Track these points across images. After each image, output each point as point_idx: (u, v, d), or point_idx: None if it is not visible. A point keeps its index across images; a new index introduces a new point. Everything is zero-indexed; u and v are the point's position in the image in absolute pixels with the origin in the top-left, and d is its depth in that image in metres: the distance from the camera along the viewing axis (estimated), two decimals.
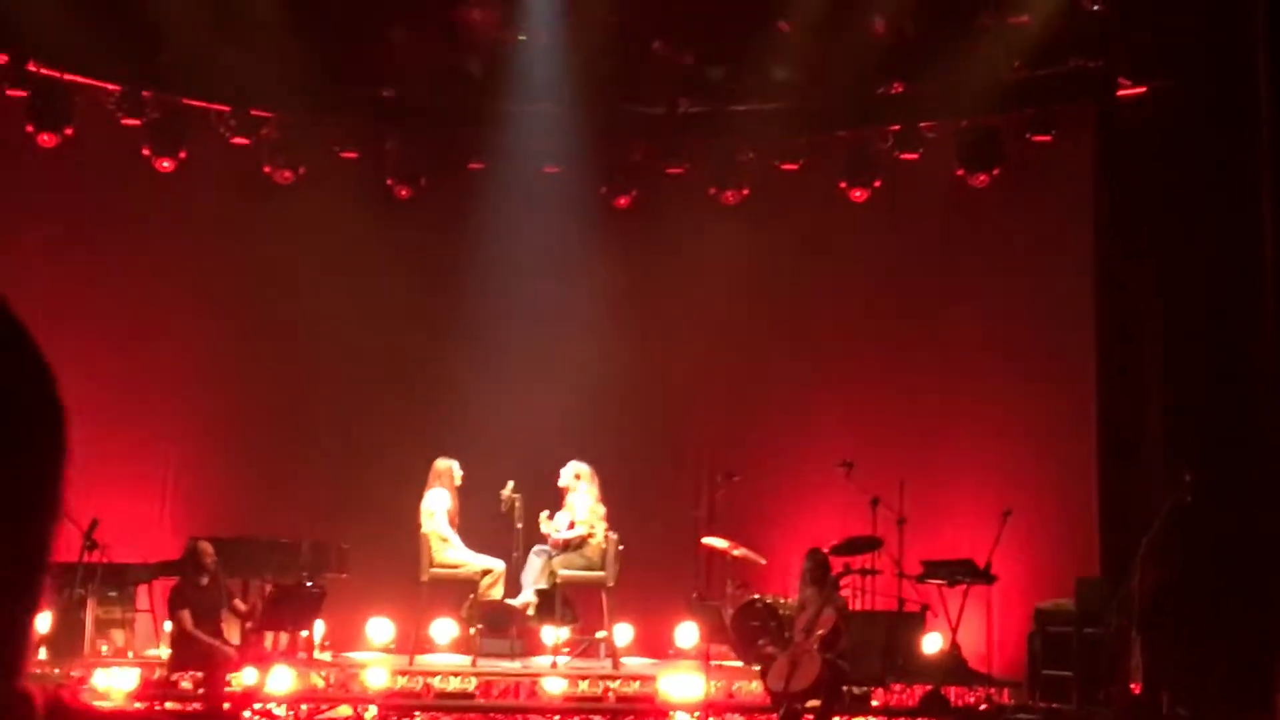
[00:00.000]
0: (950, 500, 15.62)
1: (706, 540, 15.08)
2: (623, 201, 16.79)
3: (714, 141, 16.61)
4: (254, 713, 11.51)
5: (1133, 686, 13.06)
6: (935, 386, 16.36)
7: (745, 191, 16.60)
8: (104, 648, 13.64)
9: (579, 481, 14.24)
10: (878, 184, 16.31)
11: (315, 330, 16.15)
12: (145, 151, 15.75)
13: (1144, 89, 14.87)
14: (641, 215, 16.72)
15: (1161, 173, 14.58)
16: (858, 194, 16.33)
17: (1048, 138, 15.77)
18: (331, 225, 16.03)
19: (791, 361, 16.71)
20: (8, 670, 0.83)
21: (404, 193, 16.50)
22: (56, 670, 12.17)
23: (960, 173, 15.99)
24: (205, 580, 11.92)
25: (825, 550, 12.86)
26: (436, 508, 13.92)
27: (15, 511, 0.82)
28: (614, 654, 13.95)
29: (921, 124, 16.16)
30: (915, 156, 16.19)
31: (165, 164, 15.78)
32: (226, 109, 16.04)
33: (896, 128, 16.21)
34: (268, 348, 16.21)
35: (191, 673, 12.11)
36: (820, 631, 11.95)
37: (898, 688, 13.37)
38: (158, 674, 12.43)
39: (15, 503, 0.82)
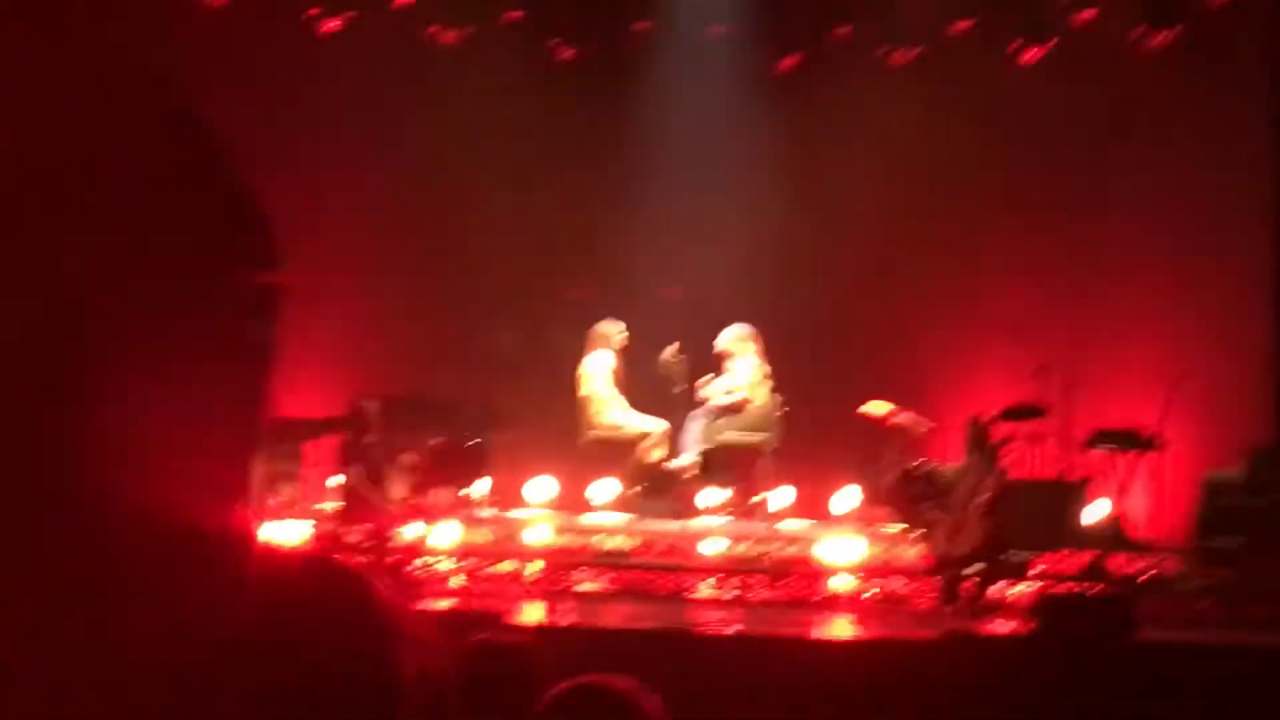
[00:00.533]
0: (1120, 367, 15.40)
1: (869, 405, 15.01)
2: (788, 63, 16.57)
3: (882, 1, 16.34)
4: (419, 567, 11.74)
5: None
6: (1107, 254, 16.07)
7: (914, 52, 16.30)
8: (273, 501, 13.96)
9: (741, 344, 14.24)
10: (1052, 44, 15.93)
11: (479, 194, 16.22)
12: (312, 12, 15.83)
13: None
14: (807, 77, 16.51)
15: None
16: (1030, 55, 15.97)
17: None
18: (495, 88, 16.04)
19: (958, 230, 16.48)
20: (233, 501, 0.87)
21: (568, 54, 16.44)
22: None
23: (1134, 36, 15.55)
24: (372, 438, 12.14)
25: (987, 418, 12.75)
26: (596, 370, 14.01)
27: (239, 350, 0.85)
28: (774, 517, 14.00)
29: None
30: (1092, 14, 15.77)
31: (332, 24, 15.86)
32: None
33: None
34: (434, 213, 16.31)
35: (359, 527, 12.37)
36: (982, 498, 11.90)
37: (1059, 556, 13.28)
38: (326, 528, 12.71)
39: (239, 341, 0.85)
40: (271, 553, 0.95)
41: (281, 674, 1.10)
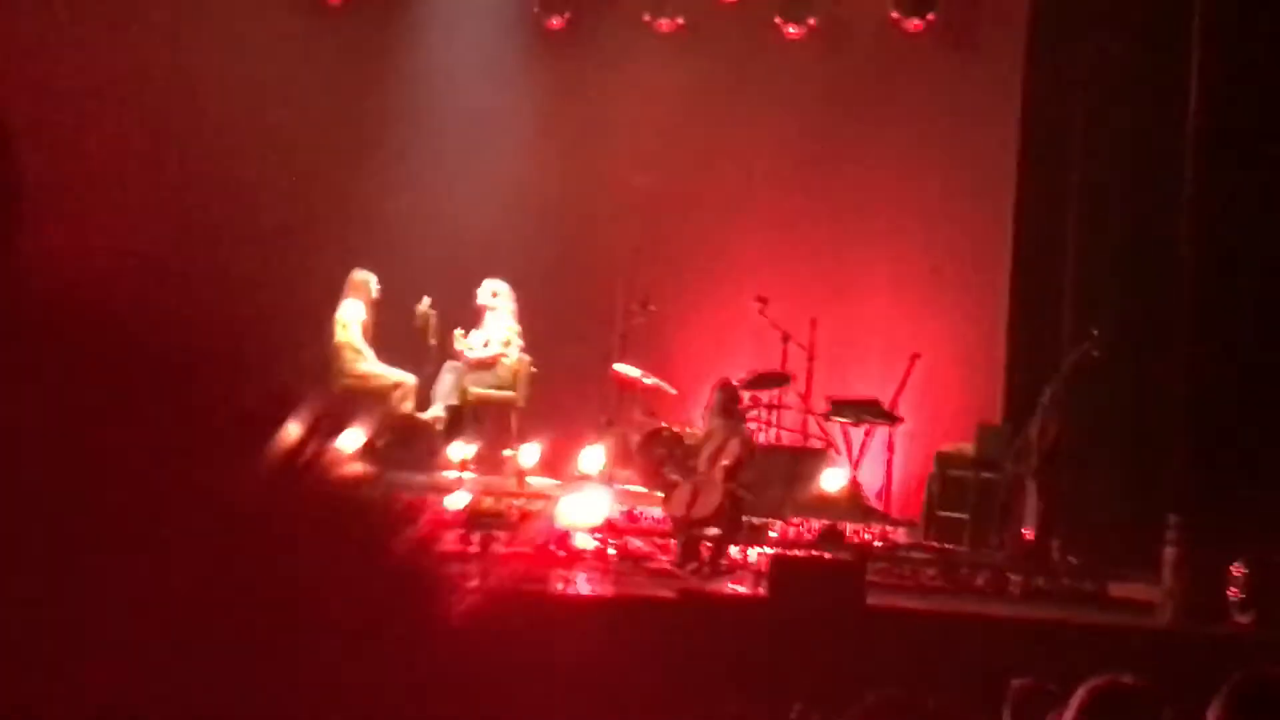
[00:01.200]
0: (860, 341, 15.80)
1: (618, 367, 15.16)
2: (556, 23, 16.57)
3: None
4: None
5: (1025, 532, 13.38)
6: (853, 228, 16.45)
7: (680, 21, 16.44)
8: None
9: (496, 300, 14.29)
10: (812, 22, 16.22)
11: (235, 135, 15.92)
12: None
13: None
14: (574, 38, 16.54)
15: (1097, 31, 14.62)
16: (792, 31, 16.24)
17: None
18: (257, 32, 15.75)
19: (713, 193, 16.70)
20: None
21: (333, 0, 16.21)
22: None
23: (894, 16, 15.94)
24: None
25: (735, 383, 12.99)
26: (350, 319, 13.93)
27: None
28: (519, 473, 14.08)
29: None
30: None
31: None
32: None
33: None
34: (184, 153, 15.96)
35: None
36: (725, 462, 12.12)
37: (796, 521, 13.60)
38: None
39: None
40: None
41: None
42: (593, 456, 15.06)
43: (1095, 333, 13.18)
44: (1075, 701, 4.13)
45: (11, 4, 15.04)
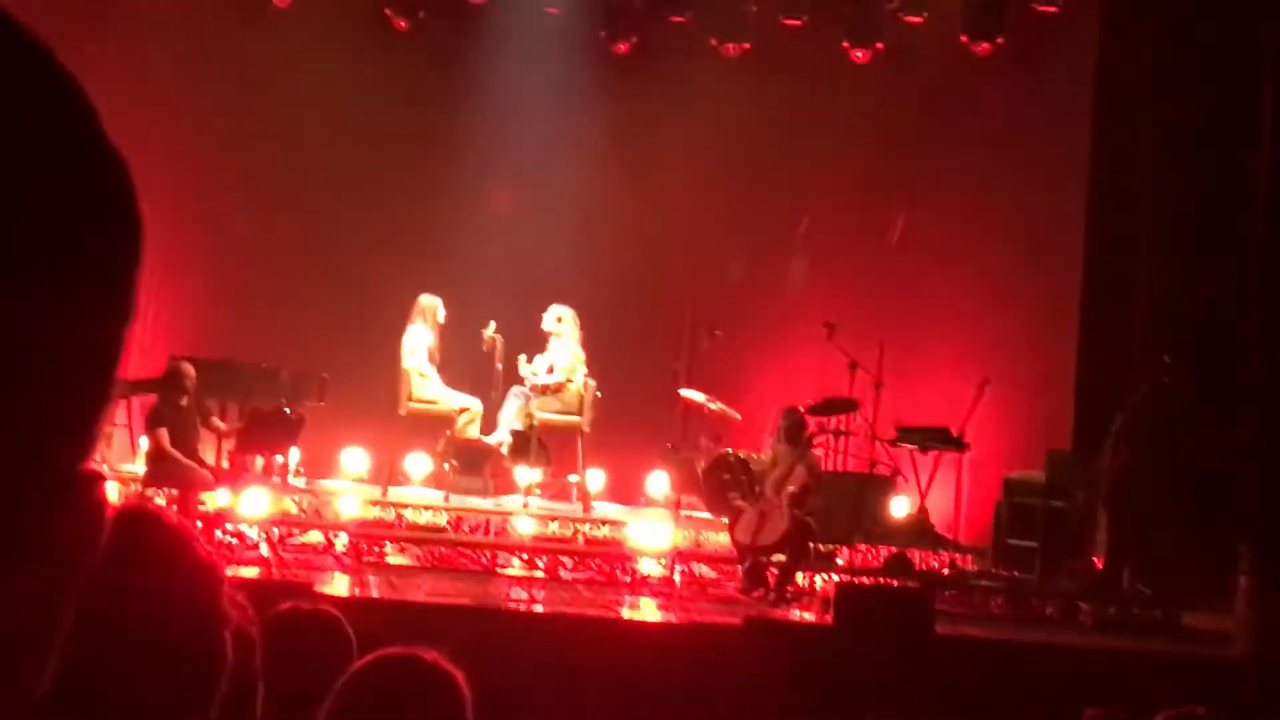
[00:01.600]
0: (929, 367, 15.71)
1: (684, 392, 15.14)
2: (623, 47, 16.61)
3: None
4: (226, 533, 11.62)
5: (1095, 561, 13.25)
6: (922, 253, 16.37)
7: (746, 45, 16.45)
8: None
9: (561, 325, 14.29)
10: (880, 46, 16.18)
11: (305, 159, 16.04)
12: None
13: None
14: (641, 62, 16.56)
15: (1167, 48, 14.50)
16: (859, 55, 16.20)
17: (1053, 8, 15.66)
18: (326, 54, 15.85)
19: (781, 219, 16.67)
20: (80, 458, 0.85)
21: (401, 24, 16.29)
22: None
23: (963, 39, 15.87)
24: (184, 401, 11.95)
25: (801, 409, 12.93)
26: (417, 343, 13.96)
27: (93, 309, 0.85)
28: (585, 498, 14.08)
29: None
30: (919, 20, 16.06)
31: None
32: None
33: None
34: (255, 173, 16.09)
35: (166, 490, 12.19)
36: (791, 488, 12.07)
37: (864, 548, 13.53)
38: (133, 489, 12.51)
39: (94, 300, 0.85)
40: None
41: (119, 619, 1.13)
42: (658, 482, 15.05)
43: (1166, 359, 13.04)
44: None
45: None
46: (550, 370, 14.19)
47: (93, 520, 0.87)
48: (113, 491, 12.16)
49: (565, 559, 12.72)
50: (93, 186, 0.84)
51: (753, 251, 16.66)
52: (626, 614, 11.20)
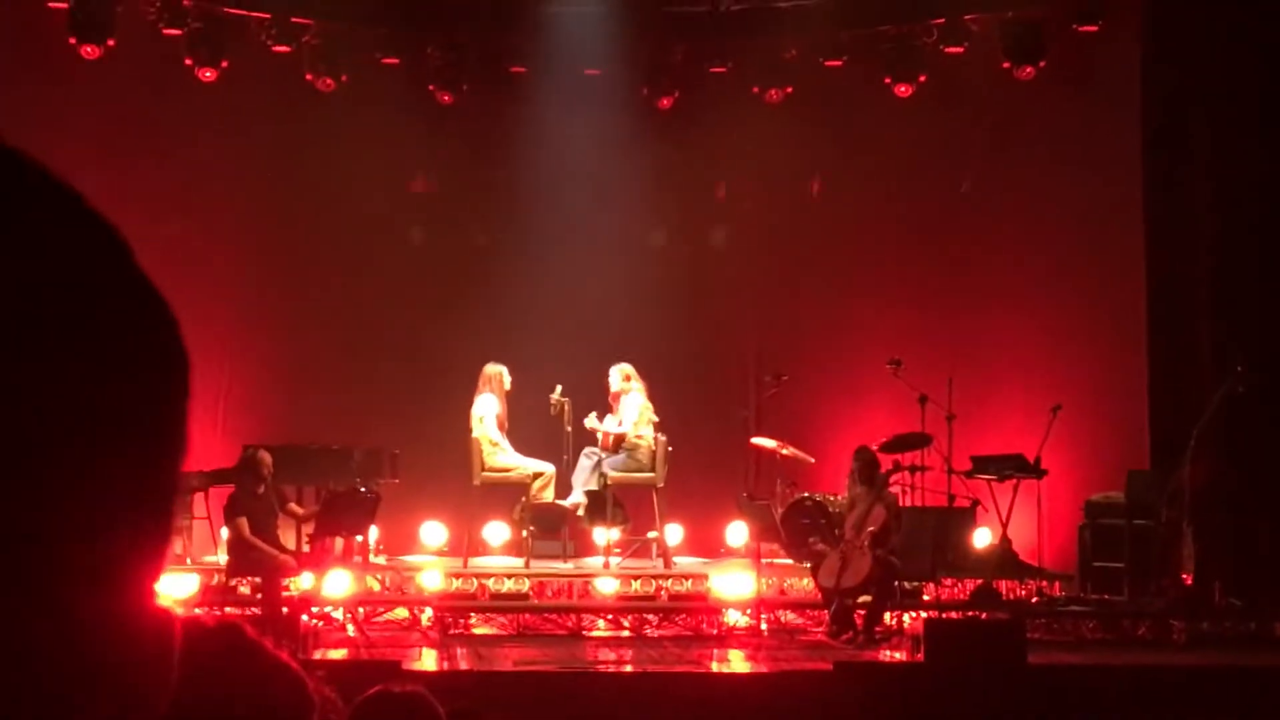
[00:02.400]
0: (999, 396, 15.63)
1: (755, 440, 15.12)
2: (665, 103, 16.68)
3: (756, 40, 16.46)
4: (312, 616, 11.66)
5: (1184, 577, 13.09)
6: (982, 283, 16.33)
7: (789, 90, 16.48)
8: None
9: (627, 383, 14.31)
10: (922, 79, 16.17)
11: (362, 238, 16.22)
12: (188, 62, 15.65)
13: None
14: (684, 116, 16.62)
15: (1214, 63, 14.42)
16: (902, 90, 16.20)
17: (1094, 28, 15.61)
18: (375, 132, 16.01)
19: (837, 260, 16.67)
20: (144, 593, 0.87)
21: (446, 98, 16.43)
22: None
23: (1005, 66, 15.85)
24: (261, 489, 12.03)
25: (874, 448, 12.88)
26: (486, 412, 14.01)
27: (148, 449, 0.86)
28: (665, 554, 14.06)
29: (965, 16, 16.00)
30: (960, 50, 16.05)
31: (207, 74, 15.69)
32: (267, 16, 15.93)
33: (940, 21, 16.05)
34: (315, 257, 16.27)
35: (249, 578, 12.27)
36: (871, 528, 12.02)
37: (949, 582, 13.44)
38: (216, 580, 12.59)
39: (149, 440, 0.86)
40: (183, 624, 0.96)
41: None
42: (737, 532, 15.01)
43: (1240, 369, 12.92)
44: None
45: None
46: (620, 425, 14.20)
47: (164, 651, 0.88)
48: (195, 583, 12.23)
49: (650, 616, 12.70)
50: (134, 328, 0.86)
51: (809, 292, 16.66)
52: (715, 667, 11.15)
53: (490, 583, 13.17)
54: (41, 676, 0.80)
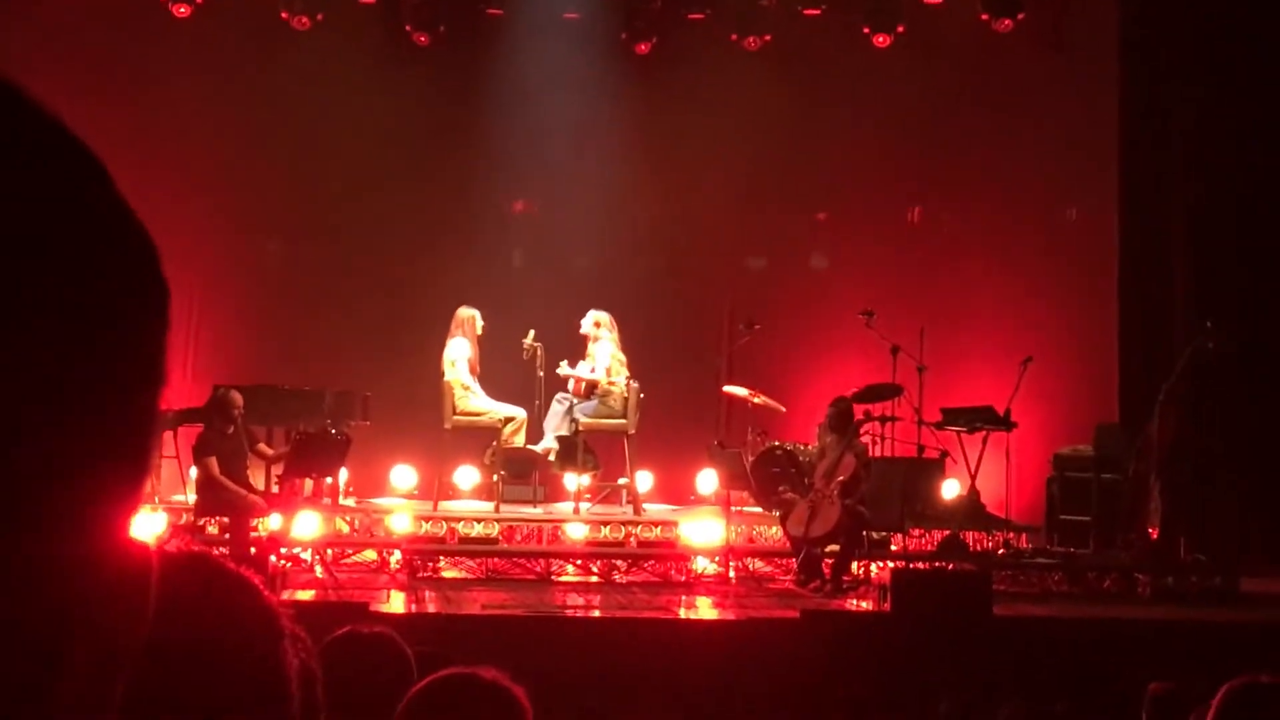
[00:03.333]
0: (970, 348, 15.67)
1: (727, 388, 15.16)
2: (643, 48, 16.62)
3: None
4: (280, 557, 11.66)
5: (1150, 532, 13.17)
6: (955, 235, 16.36)
7: (767, 37, 16.44)
8: None
9: (599, 330, 14.28)
10: (900, 30, 16.14)
11: (334, 179, 16.13)
12: None
13: None
14: (662, 62, 16.57)
15: (1190, 19, 14.42)
16: (880, 40, 16.17)
17: None
18: (350, 73, 15.93)
19: (811, 209, 16.68)
20: (122, 527, 0.86)
21: (422, 39, 16.35)
22: None
23: (984, 18, 15.82)
24: (231, 428, 12.00)
25: (846, 397, 12.90)
26: (458, 356, 13.98)
27: (126, 380, 0.85)
28: (635, 500, 14.08)
29: None
30: (939, 1, 16.01)
31: (181, 9, 15.57)
32: None
33: None
34: (286, 197, 16.19)
35: (218, 518, 12.26)
36: (840, 478, 12.04)
37: (917, 533, 13.50)
38: (184, 519, 12.58)
39: (127, 371, 0.85)
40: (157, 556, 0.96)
41: (178, 681, 1.13)
42: (707, 480, 15.04)
43: (1209, 324, 12.97)
44: (1215, 703, 4.02)
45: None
46: (592, 371, 14.20)
47: (140, 587, 0.87)
48: (163, 522, 12.23)
49: (619, 562, 12.73)
50: (115, 255, 0.85)
51: (784, 241, 16.67)
52: (683, 613, 11.20)
53: (460, 526, 13.19)
54: (20, 613, 0.80)
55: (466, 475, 15.02)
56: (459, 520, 13.30)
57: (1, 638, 0.79)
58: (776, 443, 14.36)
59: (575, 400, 14.18)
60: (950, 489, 14.21)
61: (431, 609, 10.97)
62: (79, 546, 0.82)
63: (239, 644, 1.29)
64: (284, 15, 15.95)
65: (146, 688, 0.89)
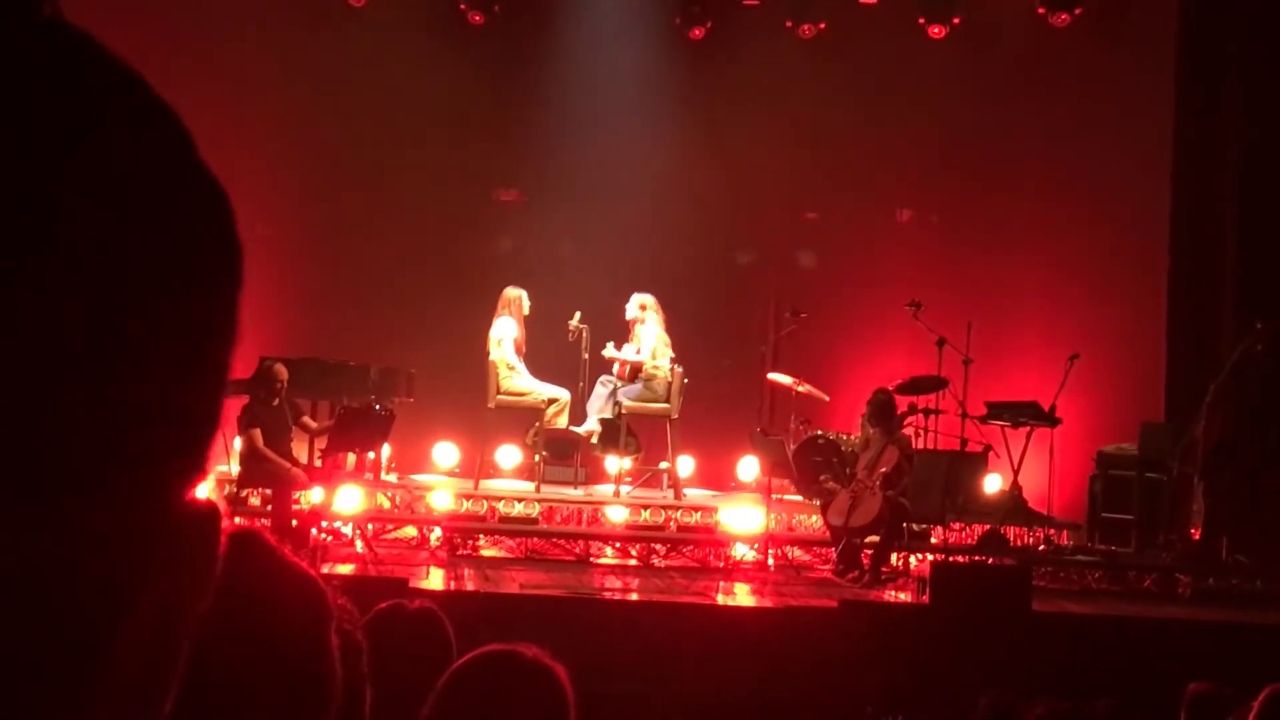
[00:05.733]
0: (1017, 343, 15.61)
1: (771, 376, 15.13)
2: (697, 33, 16.60)
3: None
4: (321, 530, 11.71)
5: (1192, 532, 13.11)
6: (1006, 228, 16.27)
7: (821, 25, 16.39)
8: None
9: (645, 313, 14.28)
10: (957, 21, 16.07)
11: (387, 155, 16.15)
12: None
13: None
14: (716, 48, 16.54)
15: (1249, 17, 14.31)
16: (936, 30, 16.11)
17: None
18: (402, 51, 15.96)
19: (861, 199, 16.62)
20: (194, 485, 0.86)
21: (477, 18, 16.36)
22: None
23: (1041, 11, 15.74)
24: (276, 401, 12.05)
25: (890, 389, 12.87)
26: (504, 335, 14.00)
27: (200, 333, 0.86)
28: (676, 485, 14.08)
29: None
30: None
31: None
32: None
33: None
34: (340, 172, 16.22)
35: (260, 490, 12.32)
36: (882, 469, 12.02)
37: (957, 526, 13.46)
38: (227, 490, 12.63)
39: (201, 325, 0.86)
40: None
41: (224, 651, 1.14)
42: (748, 466, 15.02)
43: (1259, 325, 12.88)
44: (1256, 704, 4.00)
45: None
46: (637, 353, 14.19)
47: (208, 549, 0.87)
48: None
49: (658, 546, 12.75)
50: (194, 213, 0.85)
51: (833, 230, 16.63)
52: (721, 599, 11.19)
53: (500, 505, 13.21)
54: (86, 574, 0.80)
55: (508, 455, 15.03)
56: (500, 499, 13.33)
57: (66, 599, 0.79)
58: (819, 432, 14.35)
59: (619, 383, 14.18)
60: (992, 483, 14.17)
61: (470, 586, 10.99)
62: (155, 501, 0.82)
63: (286, 624, 1.30)
64: None
65: (201, 651, 0.89)
